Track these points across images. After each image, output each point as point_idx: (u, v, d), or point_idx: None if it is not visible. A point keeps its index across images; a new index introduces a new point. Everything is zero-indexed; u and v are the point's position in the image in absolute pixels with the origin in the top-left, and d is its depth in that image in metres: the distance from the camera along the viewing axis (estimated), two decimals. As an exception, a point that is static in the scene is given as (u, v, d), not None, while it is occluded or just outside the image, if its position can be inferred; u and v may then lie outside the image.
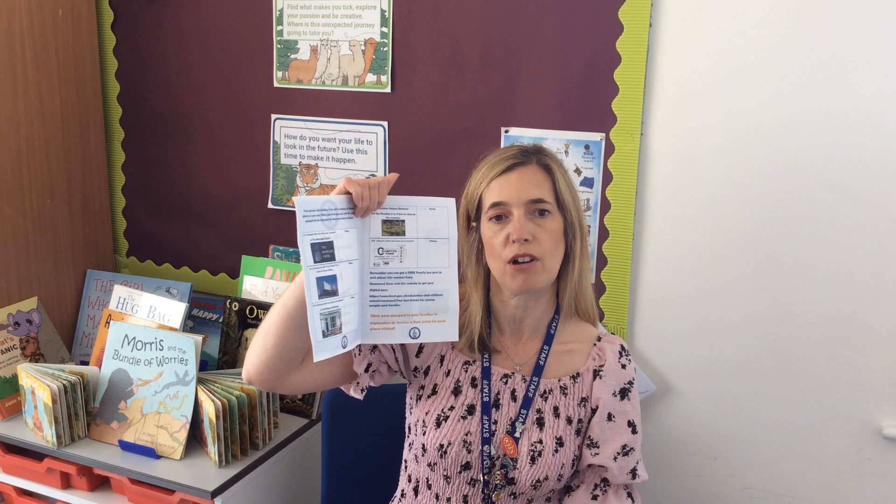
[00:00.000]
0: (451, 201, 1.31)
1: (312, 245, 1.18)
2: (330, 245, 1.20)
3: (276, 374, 1.31)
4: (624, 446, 1.37)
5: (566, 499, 1.39)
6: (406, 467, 1.47)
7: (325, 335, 1.19)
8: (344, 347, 1.24)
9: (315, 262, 1.18)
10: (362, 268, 1.26)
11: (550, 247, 1.32)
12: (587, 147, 1.80)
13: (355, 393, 1.41)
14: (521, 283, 1.32)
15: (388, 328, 1.29)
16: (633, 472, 1.38)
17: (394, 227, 1.28)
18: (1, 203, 2.00)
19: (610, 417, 1.37)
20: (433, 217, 1.29)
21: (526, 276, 1.31)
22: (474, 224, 1.39)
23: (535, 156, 1.36)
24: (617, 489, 1.38)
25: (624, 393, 1.39)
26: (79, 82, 2.19)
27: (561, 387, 1.38)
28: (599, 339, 1.43)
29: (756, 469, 1.82)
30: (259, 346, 1.30)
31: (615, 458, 1.36)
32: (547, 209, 1.33)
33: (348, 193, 1.24)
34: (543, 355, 1.39)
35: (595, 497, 1.37)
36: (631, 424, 1.38)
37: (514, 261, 1.31)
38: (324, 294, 1.19)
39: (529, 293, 1.36)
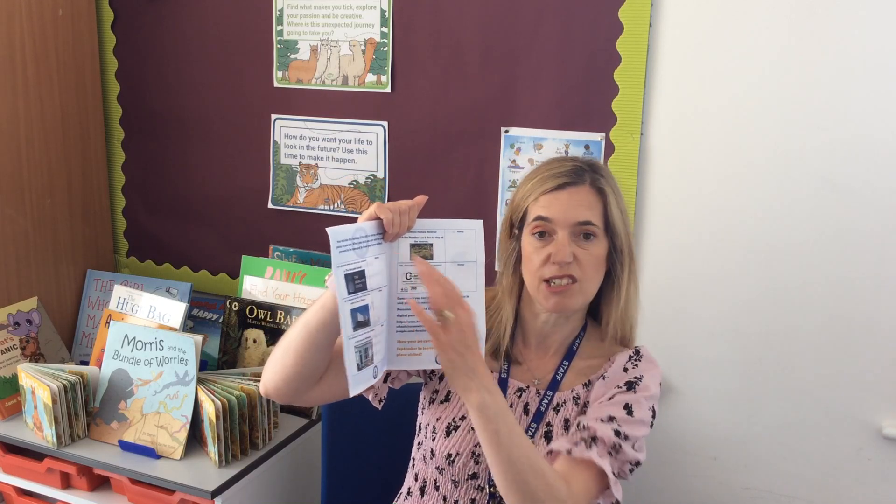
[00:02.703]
0: (479, 223, 1.27)
1: (346, 276, 1.14)
2: (362, 274, 1.16)
3: (294, 391, 1.29)
4: (611, 417, 1.27)
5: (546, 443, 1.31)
6: (413, 465, 1.46)
7: (359, 368, 1.16)
8: (375, 378, 1.21)
9: (349, 293, 1.14)
10: (390, 293, 1.24)
11: (591, 271, 1.29)
12: (587, 147, 1.80)
13: (374, 402, 1.40)
14: (555, 304, 1.29)
15: (415, 354, 1.26)
16: (621, 433, 1.26)
17: (422, 251, 1.24)
18: (1, 203, 2.00)
19: (609, 398, 1.30)
20: (461, 240, 1.26)
21: (560, 299, 1.28)
22: (516, 231, 1.35)
23: (589, 175, 1.32)
24: (602, 452, 1.24)
25: (630, 385, 1.32)
26: (79, 82, 2.19)
27: (574, 397, 1.36)
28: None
29: (756, 469, 1.82)
30: (278, 363, 1.28)
31: (601, 420, 1.26)
32: (594, 233, 1.29)
33: (378, 219, 1.20)
34: (562, 370, 1.37)
35: (576, 444, 1.25)
36: (627, 407, 1.29)
37: (550, 281, 1.28)
38: (358, 325, 1.15)
39: (567, 313, 1.33)
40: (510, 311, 1.37)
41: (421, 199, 1.25)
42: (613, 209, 1.30)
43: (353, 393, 1.17)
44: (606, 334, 1.38)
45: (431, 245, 1.25)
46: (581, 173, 1.32)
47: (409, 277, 1.23)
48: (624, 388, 1.32)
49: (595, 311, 1.41)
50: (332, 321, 1.19)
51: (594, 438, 1.25)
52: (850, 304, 1.67)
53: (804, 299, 1.70)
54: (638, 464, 1.30)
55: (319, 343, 1.24)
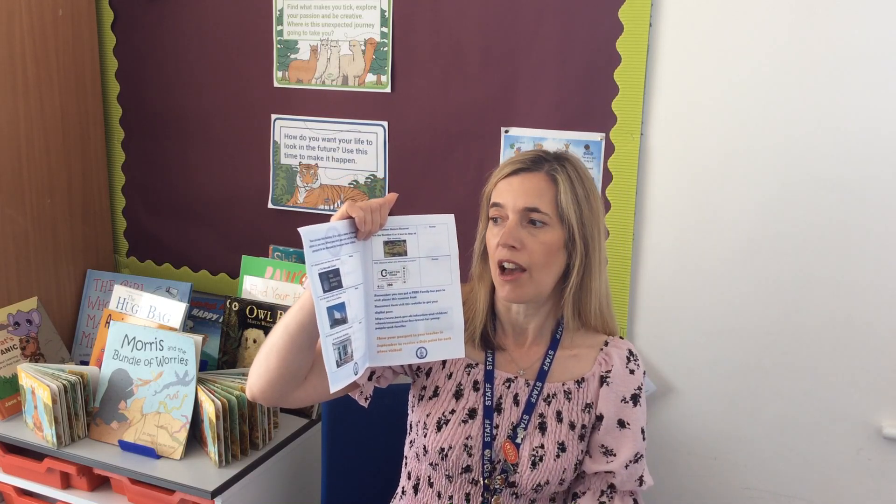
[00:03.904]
0: (451, 217, 1.29)
1: (320, 275, 1.16)
2: (337, 272, 1.18)
3: (280, 393, 1.30)
4: (636, 454, 1.36)
5: None
6: (406, 464, 1.47)
7: (338, 364, 1.18)
8: (356, 374, 1.23)
9: (324, 291, 1.16)
10: (367, 291, 1.25)
11: (540, 258, 1.29)
12: (587, 147, 1.80)
13: (360, 400, 1.41)
14: (508, 292, 1.31)
15: (395, 350, 1.28)
16: (640, 479, 1.38)
17: (395, 248, 1.27)
18: (1, 203, 2.00)
19: (623, 424, 1.36)
20: (433, 235, 1.28)
21: (512, 286, 1.30)
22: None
23: (547, 163, 1.33)
24: (623, 496, 1.37)
25: (635, 399, 1.37)
26: (79, 82, 2.19)
27: (565, 391, 1.37)
28: (607, 343, 1.40)
29: (756, 469, 1.82)
30: (262, 366, 1.29)
31: (626, 466, 1.35)
32: (542, 220, 1.30)
33: (350, 218, 1.23)
34: (548, 360, 1.38)
35: (602, 503, 1.36)
36: (643, 431, 1.38)
37: (502, 267, 1.30)
38: (335, 323, 1.17)
39: (524, 303, 1.35)
40: (484, 296, 1.40)
41: (392, 197, 1.27)
42: (565, 197, 1.30)
43: (333, 390, 1.19)
44: (570, 321, 1.38)
45: (405, 241, 1.27)
46: (539, 161, 1.34)
47: (384, 275, 1.25)
48: (630, 402, 1.37)
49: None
50: (310, 322, 1.21)
51: (612, 486, 1.36)
52: (850, 303, 1.67)
53: (804, 299, 1.70)
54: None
55: (301, 344, 1.25)
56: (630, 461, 1.36)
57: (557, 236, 1.31)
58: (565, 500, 1.41)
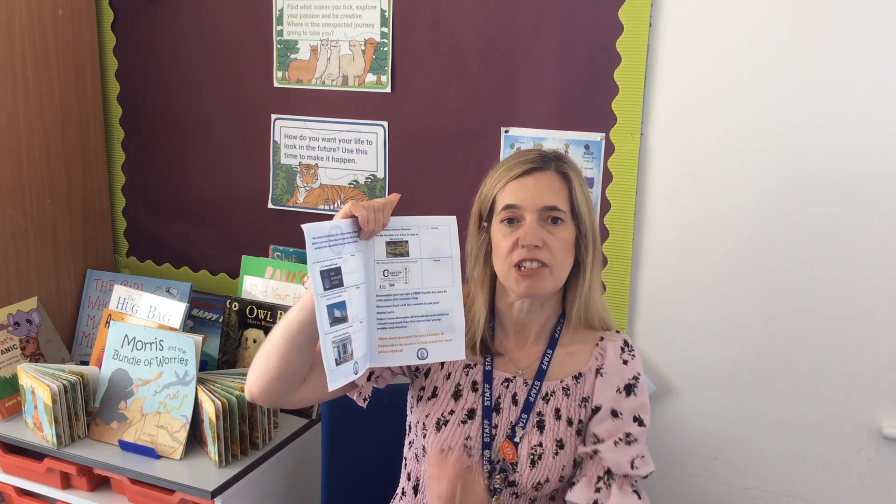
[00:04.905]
0: (453, 219, 1.30)
1: (322, 272, 1.16)
2: (338, 271, 1.19)
3: (279, 393, 1.31)
4: (627, 434, 1.34)
5: (568, 492, 1.35)
6: (406, 465, 1.47)
7: (337, 363, 1.19)
8: (356, 374, 1.23)
9: (325, 289, 1.17)
10: (368, 291, 1.26)
11: (560, 255, 1.31)
12: (587, 147, 1.80)
13: (358, 401, 1.41)
14: (526, 288, 1.31)
15: (397, 350, 1.29)
16: (633, 463, 1.34)
17: (398, 249, 1.27)
18: (1, 203, 2.00)
19: (615, 414, 1.35)
20: (436, 236, 1.29)
21: (531, 282, 1.30)
22: (486, 224, 1.38)
23: (554, 162, 1.35)
24: (622, 483, 1.34)
25: (629, 389, 1.36)
26: (79, 82, 2.19)
27: (563, 388, 1.37)
28: (603, 338, 1.41)
29: (756, 469, 1.82)
30: (262, 366, 1.29)
31: (616, 444, 1.33)
32: (561, 217, 1.31)
33: (353, 217, 1.23)
34: (546, 359, 1.38)
35: (598, 490, 1.33)
36: (637, 419, 1.36)
37: (520, 265, 1.30)
38: (335, 321, 1.18)
39: (534, 298, 1.35)
40: (483, 302, 1.40)
41: (394, 197, 1.28)
42: (578, 194, 1.33)
43: (331, 388, 1.19)
44: (577, 320, 1.39)
45: (407, 242, 1.28)
46: (546, 160, 1.35)
47: (386, 275, 1.25)
48: (624, 392, 1.36)
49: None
50: (312, 321, 1.21)
51: (609, 472, 1.33)
52: (850, 303, 1.67)
53: (804, 299, 1.70)
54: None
55: (301, 344, 1.26)
56: (619, 440, 1.33)
57: (572, 233, 1.33)
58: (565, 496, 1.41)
